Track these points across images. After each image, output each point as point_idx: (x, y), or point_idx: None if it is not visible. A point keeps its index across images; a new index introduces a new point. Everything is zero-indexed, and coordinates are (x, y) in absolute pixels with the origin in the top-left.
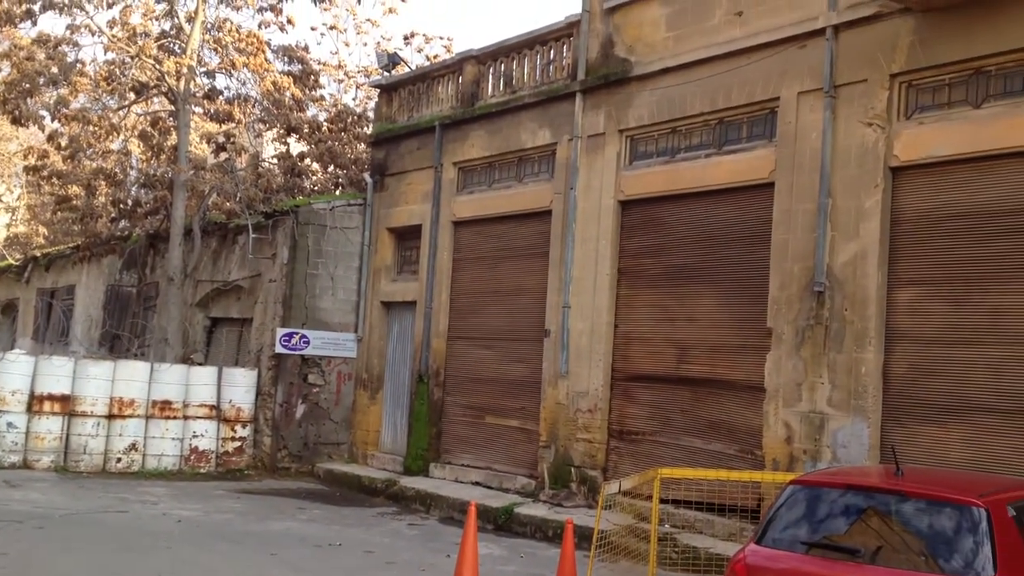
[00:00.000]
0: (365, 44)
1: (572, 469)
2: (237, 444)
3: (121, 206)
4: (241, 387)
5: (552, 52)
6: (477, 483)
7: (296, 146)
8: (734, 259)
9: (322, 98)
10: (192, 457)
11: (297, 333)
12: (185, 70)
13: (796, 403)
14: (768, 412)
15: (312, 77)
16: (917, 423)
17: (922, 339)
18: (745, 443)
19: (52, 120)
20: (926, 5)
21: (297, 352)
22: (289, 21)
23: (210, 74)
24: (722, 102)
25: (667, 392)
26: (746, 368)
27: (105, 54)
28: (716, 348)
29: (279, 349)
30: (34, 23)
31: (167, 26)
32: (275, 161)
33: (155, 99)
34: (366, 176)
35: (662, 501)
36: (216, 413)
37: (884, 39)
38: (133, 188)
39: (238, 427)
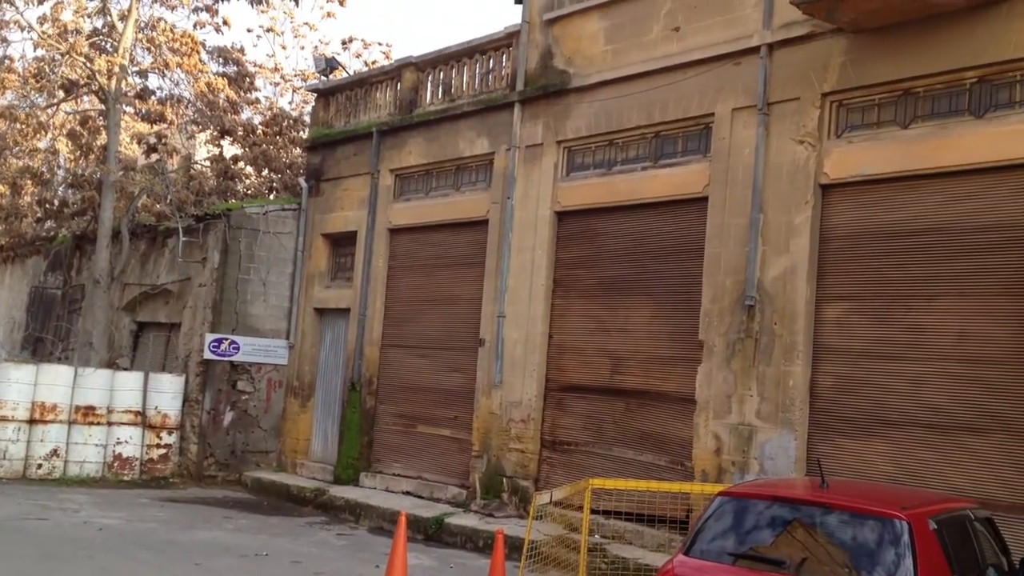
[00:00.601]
0: (303, 48)
1: (504, 479)
2: (162, 451)
3: (47, 206)
4: (168, 393)
5: (491, 62)
6: (408, 493)
7: (230, 149)
8: (668, 272)
9: (257, 101)
10: (116, 464)
11: (227, 339)
12: (117, 69)
13: (726, 415)
14: (698, 424)
15: (247, 79)
16: (842, 436)
17: (848, 354)
18: (676, 454)
19: None
20: (858, 26)
21: (226, 358)
22: (225, 22)
23: (142, 74)
24: (658, 116)
25: (600, 403)
26: (678, 380)
27: (35, 51)
28: (649, 360)
29: (208, 355)
30: None
31: (99, 24)
32: (208, 163)
33: (85, 98)
34: (301, 181)
35: (593, 512)
36: (141, 419)
37: (816, 58)
38: (60, 188)
39: (164, 434)
